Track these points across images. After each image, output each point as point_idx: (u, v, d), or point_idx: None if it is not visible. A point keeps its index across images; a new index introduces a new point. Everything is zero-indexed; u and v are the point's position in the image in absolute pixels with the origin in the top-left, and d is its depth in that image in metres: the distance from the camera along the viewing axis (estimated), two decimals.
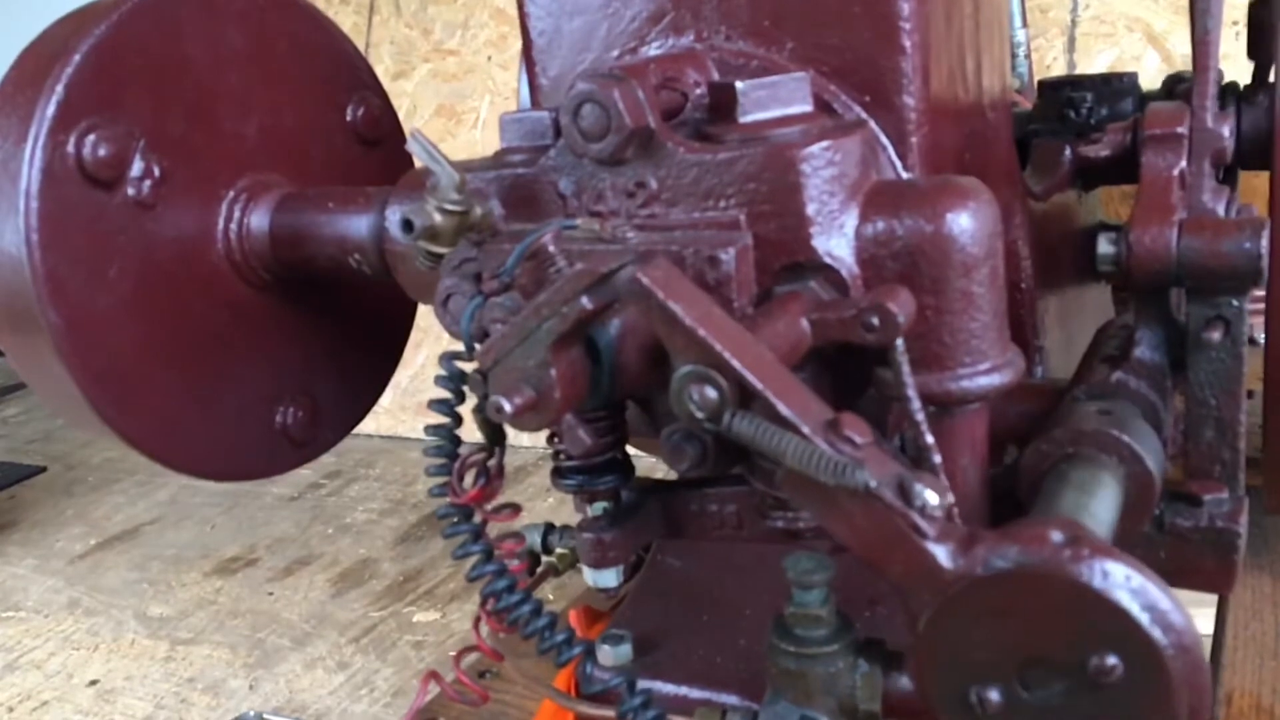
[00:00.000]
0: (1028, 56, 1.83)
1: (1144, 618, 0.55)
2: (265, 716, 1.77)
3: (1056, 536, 0.58)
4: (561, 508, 2.29)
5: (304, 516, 2.56)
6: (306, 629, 2.05)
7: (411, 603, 2.10)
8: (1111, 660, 0.56)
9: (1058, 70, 2.24)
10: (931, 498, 0.60)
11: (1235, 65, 1.89)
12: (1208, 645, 1.25)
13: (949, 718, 0.63)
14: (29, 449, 3.28)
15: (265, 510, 2.61)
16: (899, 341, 0.69)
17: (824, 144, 0.75)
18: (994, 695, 0.60)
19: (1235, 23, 1.97)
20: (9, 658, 2.06)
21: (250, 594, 2.21)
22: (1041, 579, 0.57)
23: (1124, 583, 0.55)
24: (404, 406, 2.86)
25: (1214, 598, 1.26)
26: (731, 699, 0.93)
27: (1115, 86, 1.21)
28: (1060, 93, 1.20)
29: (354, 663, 1.92)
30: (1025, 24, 1.85)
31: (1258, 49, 1.05)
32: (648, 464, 1.27)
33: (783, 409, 0.62)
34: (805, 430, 0.61)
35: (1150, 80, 1.29)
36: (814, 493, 0.62)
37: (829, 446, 0.61)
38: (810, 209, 0.75)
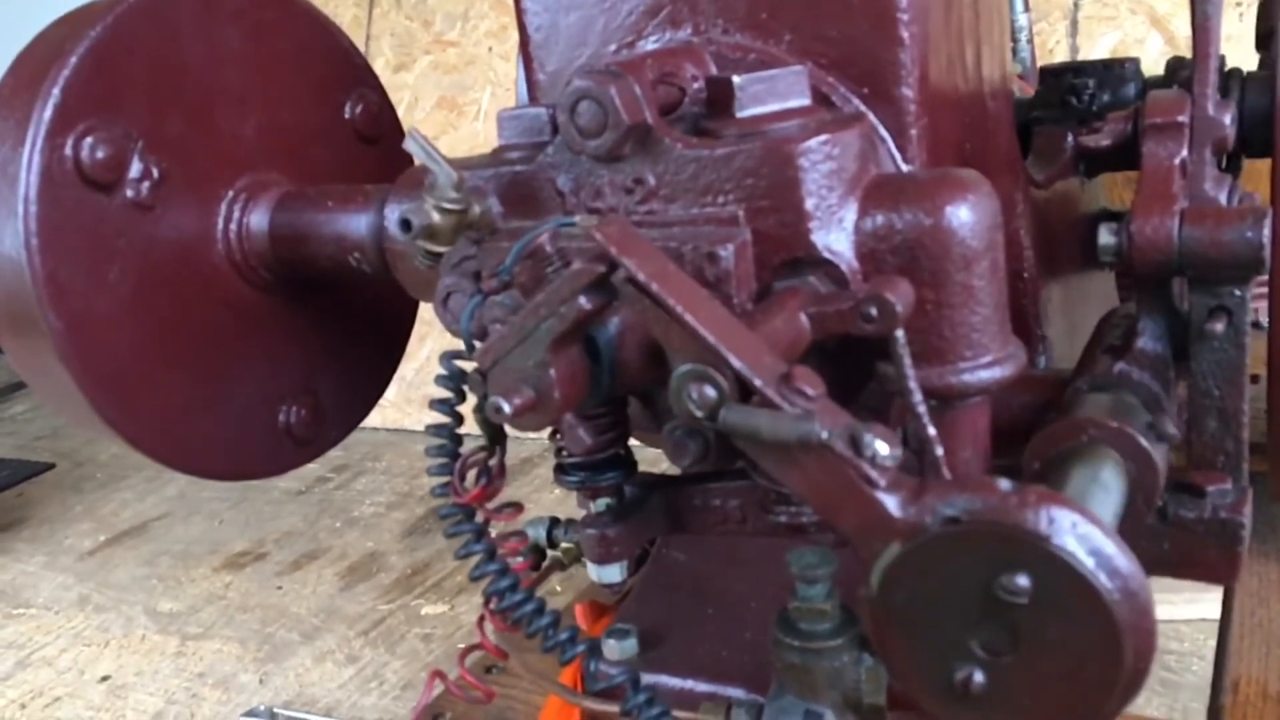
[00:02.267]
0: (1030, 41, 1.81)
1: (1089, 563, 0.55)
2: (276, 711, 1.78)
3: (1005, 484, 0.58)
4: (567, 499, 2.29)
5: (312, 510, 2.57)
6: (315, 623, 2.06)
7: (420, 595, 2.11)
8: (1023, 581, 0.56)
9: (1060, 54, 2.23)
10: (882, 448, 0.60)
11: (1238, 47, 1.88)
12: (1214, 632, 1.25)
13: (912, 683, 0.63)
14: (37, 445, 3.29)
15: (273, 504, 2.62)
16: (899, 333, 0.68)
17: (822, 138, 0.74)
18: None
19: (1239, 3, 1.96)
20: (20, 655, 2.07)
21: (259, 588, 2.22)
22: (989, 526, 0.57)
23: (1070, 528, 0.56)
24: (409, 399, 2.86)
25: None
26: (737, 692, 0.93)
27: (1117, 72, 1.20)
28: (1062, 79, 1.19)
29: (363, 656, 1.93)
30: (1027, 8, 1.84)
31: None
32: (651, 455, 1.27)
33: (735, 362, 0.62)
34: (758, 383, 0.62)
35: (1153, 63, 1.28)
36: (772, 450, 0.63)
37: (782, 400, 0.61)
38: (809, 204, 0.74)
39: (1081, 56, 2.23)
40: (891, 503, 0.60)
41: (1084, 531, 0.56)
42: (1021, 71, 1.75)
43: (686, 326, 0.63)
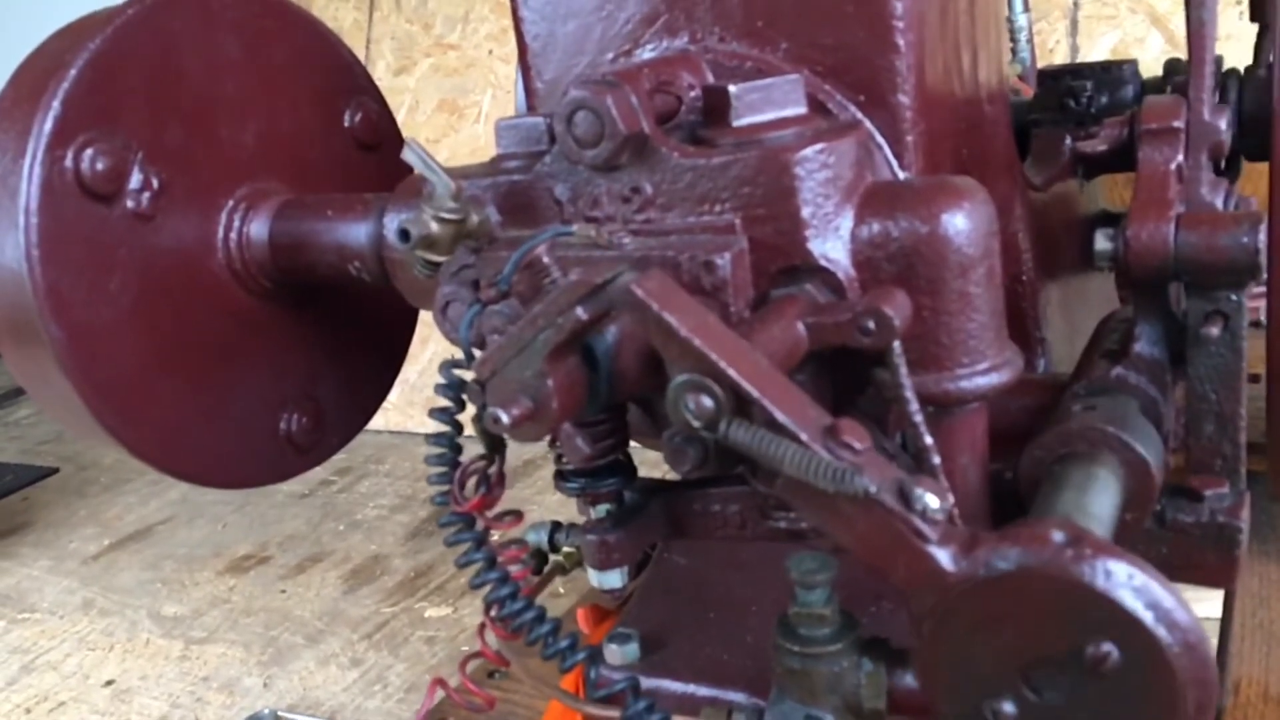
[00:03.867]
0: (1030, 41, 1.82)
1: (1148, 616, 0.55)
2: (280, 714, 1.78)
3: (1058, 537, 0.57)
4: (569, 501, 2.29)
5: (315, 513, 2.57)
6: (319, 626, 2.06)
7: (423, 598, 2.11)
8: (1108, 648, 0.56)
9: (1061, 53, 2.23)
10: (932, 501, 0.59)
11: (1238, 46, 1.87)
12: (1215, 632, 1.25)
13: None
14: (41, 450, 3.29)
15: (276, 508, 2.62)
16: (896, 344, 0.69)
17: (818, 146, 0.75)
18: (1005, 705, 0.60)
19: (1238, 1, 1.96)
20: (25, 659, 2.07)
21: (263, 592, 2.23)
22: (1044, 580, 0.57)
23: (1127, 581, 0.55)
24: (412, 402, 2.87)
25: None
26: (738, 696, 0.93)
27: (1115, 75, 1.20)
28: (1060, 82, 1.20)
29: (367, 659, 1.93)
30: (1027, 8, 1.84)
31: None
32: (652, 457, 1.28)
33: (780, 416, 0.62)
34: (804, 437, 0.61)
35: (1154, 62, 1.28)
36: (814, 498, 0.62)
37: (827, 453, 0.61)
38: (805, 212, 0.75)
39: (1081, 56, 2.23)
40: (944, 557, 0.59)
41: (1140, 584, 0.55)
42: (1021, 72, 1.75)
43: (729, 380, 0.63)
